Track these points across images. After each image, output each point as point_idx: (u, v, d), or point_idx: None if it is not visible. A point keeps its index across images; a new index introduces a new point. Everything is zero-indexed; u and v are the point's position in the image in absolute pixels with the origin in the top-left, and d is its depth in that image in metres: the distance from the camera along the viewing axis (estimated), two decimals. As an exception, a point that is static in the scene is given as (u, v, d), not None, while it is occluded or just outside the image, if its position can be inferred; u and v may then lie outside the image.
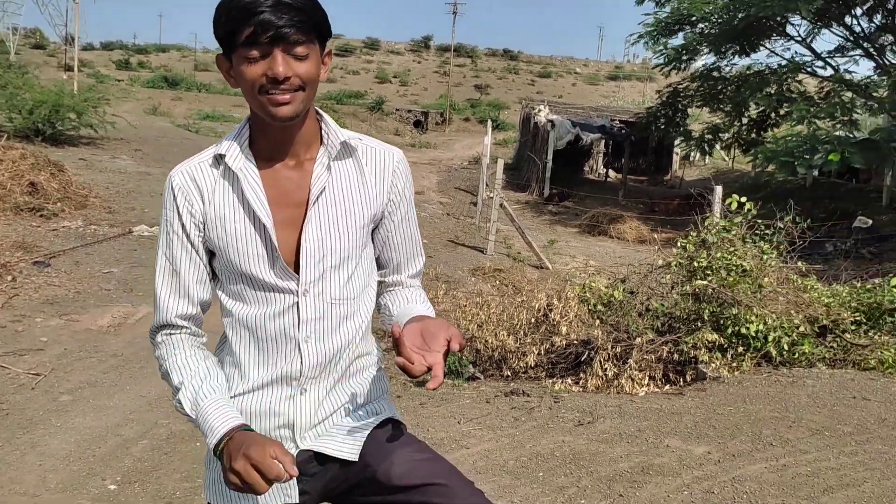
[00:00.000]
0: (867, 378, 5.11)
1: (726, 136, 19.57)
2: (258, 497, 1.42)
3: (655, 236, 12.31)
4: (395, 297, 1.58)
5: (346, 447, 1.45)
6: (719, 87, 19.06)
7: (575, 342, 5.84)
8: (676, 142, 21.66)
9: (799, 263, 6.82)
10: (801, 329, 5.64)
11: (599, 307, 6.22)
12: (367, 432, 1.47)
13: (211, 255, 1.47)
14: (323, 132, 1.46)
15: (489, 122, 19.70)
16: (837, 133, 16.21)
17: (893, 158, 15.97)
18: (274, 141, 1.42)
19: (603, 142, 24.93)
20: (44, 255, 8.35)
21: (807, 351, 5.59)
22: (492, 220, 11.77)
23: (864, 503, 3.32)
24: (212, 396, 1.38)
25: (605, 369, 5.54)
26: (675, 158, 26.54)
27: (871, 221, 15.31)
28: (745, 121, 18.98)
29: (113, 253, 9.21)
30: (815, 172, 19.07)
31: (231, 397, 1.45)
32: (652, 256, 7.50)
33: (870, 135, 16.64)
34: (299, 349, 1.43)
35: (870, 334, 5.93)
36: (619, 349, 5.67)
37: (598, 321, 5.99)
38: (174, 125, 27.33)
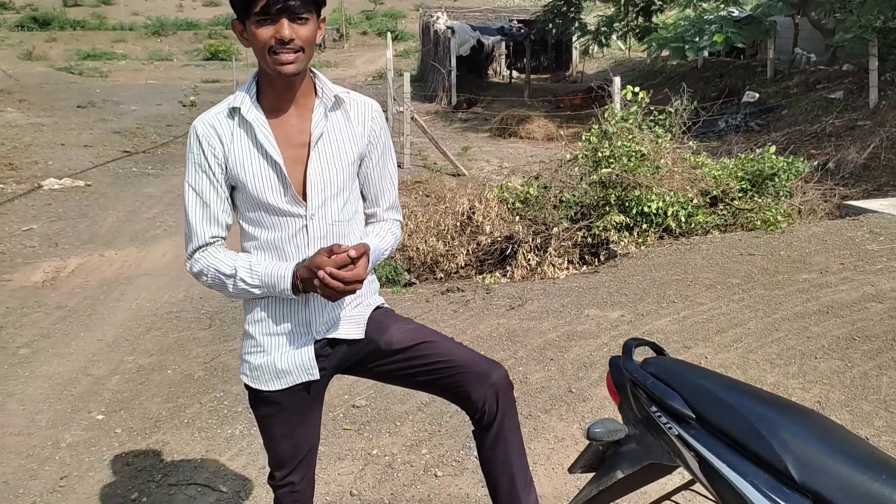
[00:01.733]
0: (752, 237, 5.83)
1: (620, 25, 20.07)
2: (285, 374, 1.82)
3: (562, 132, 12.84)
4: (370, 230, 1.91)
5: (353, 330, 1.86)
6: (608, -23, 19.38)
7: (499, 239, 6.34)
8: (574, 37, 22.01)
9: (691, 143, 7.47)
10: (696, 202, 6.30)
11: (518, 204, 6.71)
12: (367, 316, 1.88)
13: (231, 189, 1.79)
14: (317, 86, 1.79)
15: (389, 36, 19.43)
16: (721, 14, 16.93)
17: (773, 32, 16.90)
18: (279, 94, 1.74)
19: (503, 43, 25.05)
20: (-43, 221, 8.14)
21: (701, 220, 6.27)
22: (405, 134, 11.99)
23: (749, 337, 3.99)
24: (263, 263, 1.74)
25: (529, 259, 6.08)
26: (575, 53, 26.95)
27: (758, 95, 16.25)
28: (633, 9, 19.45)
29: (27, 210, 9.03)
30: (706, 53, 19.95)
31: (257, 303, 1.81)
32: (560, 152, 8.01)
33: (751, 12, 17.47)
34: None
35: (755, 199, 6.66)
36: (539, 240, 6.21)
37: (517, 217, 6.49)
38: (55, 69, 25.67)
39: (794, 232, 5.88)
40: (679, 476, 1.84)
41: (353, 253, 1.63)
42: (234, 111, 1.74)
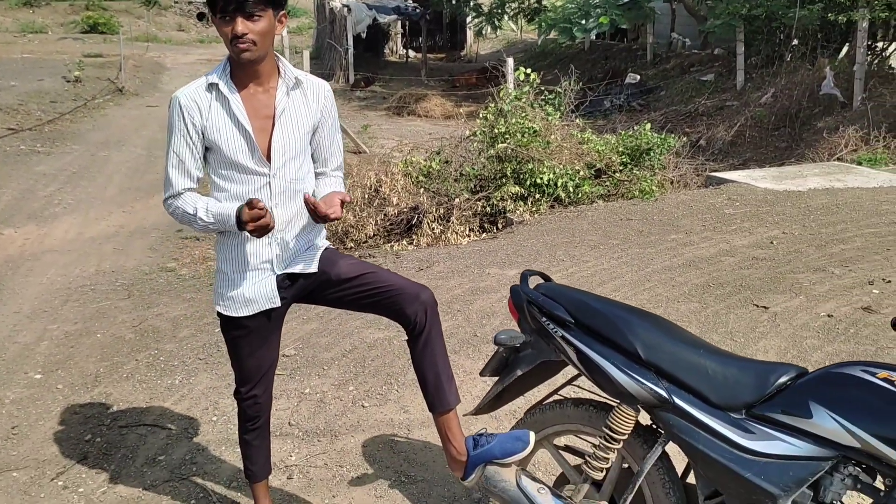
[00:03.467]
0: (631, 204, 6.55)
1: (512, 7, 20.80)
2: (252, 303, 2.20)
3: (461, 111, 13.38)
4: (320, 183, 2.34)
5: (309, 265, 2.26)
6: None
7: (405, 210, 6.78)
8: (469, 17, 22.58)
9: (578, 121, 8.14)
10: (582, 174, 6.97)
11: (421, 178, 7.16)
12: (319, 254, 2.29)
13: (206, 150, 2.14)
14: (280, 69, 2.16)
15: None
16: (606, -2, 17.90)
17: (652, 17, 18.07)
18: (246, 74, 2.11)
19: (399, 23, 25.30)
20: None
21: (587, 190, 6.95)
22: (306, 112, 12.11)
23: (625, 287, 4.64)
24: (217, 206, 2.12)
25: (433, 228, 6.56)
26: (470, 34, 27.57)
27: (639, 77, 17.35)
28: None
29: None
30: (593, 36, 20.99)
31: (228, 245, 2.20)
32: (459, 129, 8.51)
33: (633, -3, 18.55)
34: (272, 212, 2.15)
35: (634, 171, 7.41)
36: (442, 210, 6.70)
37: (422, 190, 6.95)
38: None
39: (666, 200, 6.65)
40: (563, 377, 2.36)
41: (346, 198, 2.19)
42: (212, 86, 2.11)
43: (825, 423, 1.65)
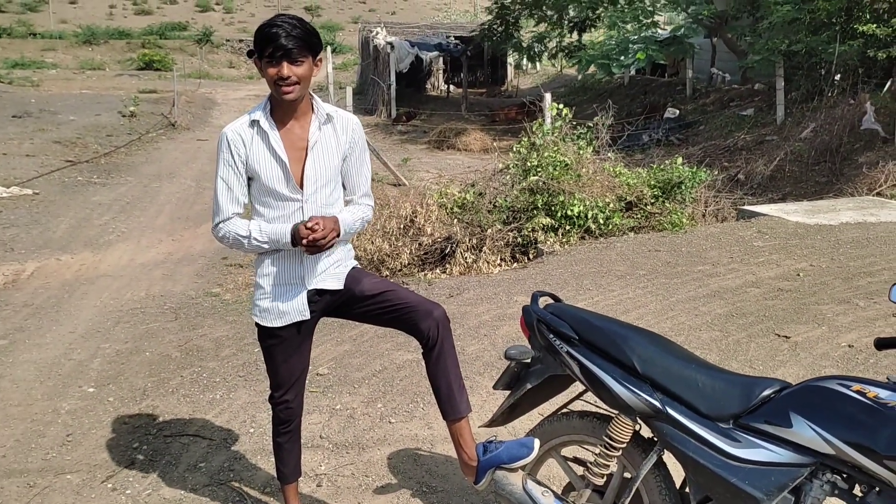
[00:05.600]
0: (660, 236, 6.67)
1: (552, 44, 21.17)
2: (285, 314, 2.43)
3: (497, 145, 13.66)
4: (345, 210, 2.54)
5: (336, 283, 2.50)
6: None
7: (439, 240, 7.00)
8: (509, 53, 23.04)
9: (610, 154, 8.31)
10: (612, 206, 7.11)
11: (456, 209, 7.39)
12: (346, 273, 2.52)
13: (249, 179, 2.40)
14: (314, 106, 2.42)
15: (328, 49, 19.98)
16: (644, 34, 18.14)
17: (691, 53, 18.19)
18: (285, 111, 2.38)
19: (441, 59, 25.90)
20: None
21: (617, 222, 7.08)
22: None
23: (649, 315, 4.75)
24: (269, 226, 2.37)
25: (466, 258, 6.76)
26: (510, 69, 28.05)
27: (678, 111, 17.43)
28: (565, 26, 20.56)
29: (-24, 218, 9.21)
30: (632, 71, 21.20)
31: (265, 262, 2.45)
32: (494, 162, 8.74)
33: (671, 32, 18.75)
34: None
35: (665, 204, 7.52)
36: (475, 240, 6.90)
37: (455, 220, 7.18)
38: (-18, 78, 25.15)
39: (696, 232, 6.75)
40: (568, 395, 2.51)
41: (320, 223, 2.31)
42: (254, 122, 2.38)
43: (804, 431, 1.79)
